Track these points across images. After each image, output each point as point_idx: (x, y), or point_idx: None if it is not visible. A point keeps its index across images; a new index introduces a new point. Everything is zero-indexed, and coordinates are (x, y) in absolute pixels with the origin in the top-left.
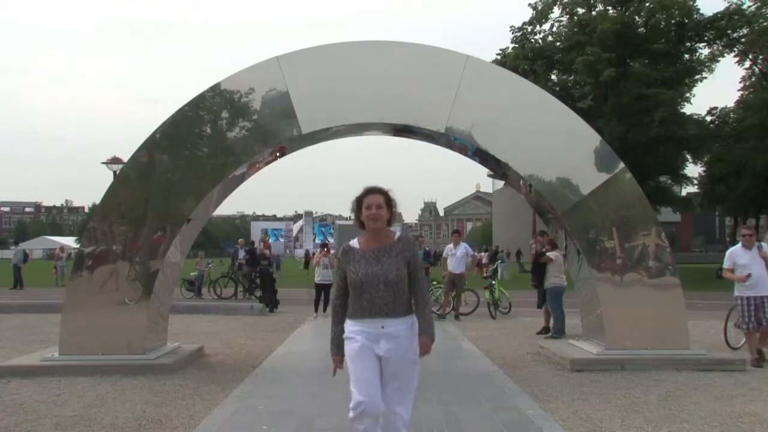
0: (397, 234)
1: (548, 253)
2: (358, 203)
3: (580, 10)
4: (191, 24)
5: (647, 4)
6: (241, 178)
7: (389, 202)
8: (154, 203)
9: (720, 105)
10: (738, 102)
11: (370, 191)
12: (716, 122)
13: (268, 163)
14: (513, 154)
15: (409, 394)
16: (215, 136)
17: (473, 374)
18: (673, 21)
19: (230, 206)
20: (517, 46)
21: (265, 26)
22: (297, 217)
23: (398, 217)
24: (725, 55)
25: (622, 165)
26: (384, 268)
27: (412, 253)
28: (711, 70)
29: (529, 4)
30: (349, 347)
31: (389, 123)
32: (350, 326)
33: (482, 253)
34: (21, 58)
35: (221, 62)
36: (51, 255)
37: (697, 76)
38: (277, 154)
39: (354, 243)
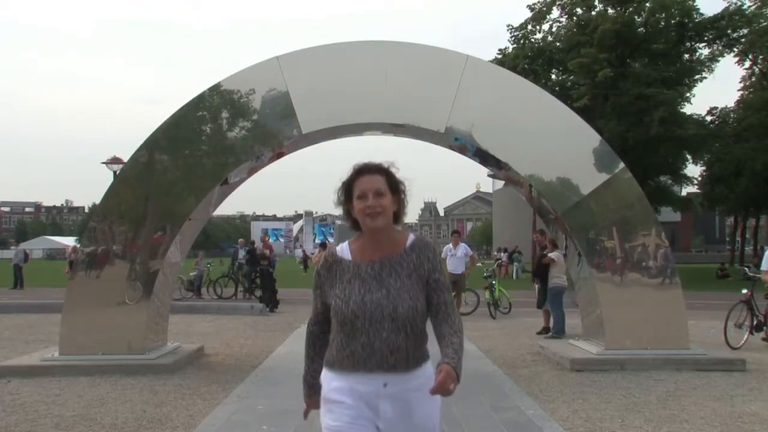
0: (410, 238)
1: (549, 254)
2: (347, 190)
3: (579, 10)
4: (191, 24)
5: (647, 4)
6: (240, 182)
7: (394, 187)
8: (155, 203)
9: (720, 105)
10: (738, 102)
11: (364, 171)
12: (716, 122)
13: (266, 165)
14: (513, 154)
15: None
16: (215, 136)
17: (473, 374)
18: (673, 21)
19: (230, 206)
20: (516, 46)
21: (265, 26)
22: (297, 217)
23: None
24: (725, 55)
25: (622, 165)
26: (391, 294)
27: (432, 266)
28: (711, 70)
29: (528, 6)
30: (331, 418)
31: (389, 123)
32: (332, 381)
33: (502, 254)
34: (21, 58)
35: (221, 62)
36: (52, 255)
37: (697, 76)
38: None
39: (342, 250)
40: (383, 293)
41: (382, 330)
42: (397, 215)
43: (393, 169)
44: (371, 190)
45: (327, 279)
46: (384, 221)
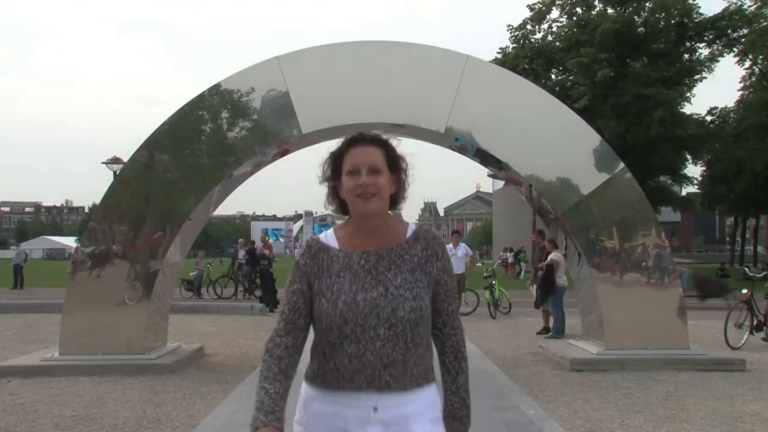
0: (410, 227)
1: (551, 256)
2: (335, 164)
3: (579, 10)
4: (191, 24)
5: (647, 4)
6: (244, 177)
7: (394, 163)
8: (155, 203)
9: (720, 105)
10: (738, 102)
11: (357, 141)
12: (716, 122)
13: (270, 163)
14: (513, 154)
15: None
16: (215, 135)
17: (473, 374)
18: (673, 21)
19: (230, 206)
20: (516, 45)
21: (265, 26)
22: (297, 217)
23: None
24: (725, 55)
25: (622, 165)
26: (390, 292)
27: (442, 265)
28: (711, 70)
29: (528, 6)
30: None
31: (389, 123)
32: (313, 401)
33: (508, 253)
34: (21, 58)
35: (221, 62)
36: (52, 255)
37: (697, 76)
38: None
39: (327, 238)
40: (380, 291)
41: (377, 338)
42: (395, 199)
43: (392, 142)
44: (365, 165)
45: (312, 269)
46: (379, 204)
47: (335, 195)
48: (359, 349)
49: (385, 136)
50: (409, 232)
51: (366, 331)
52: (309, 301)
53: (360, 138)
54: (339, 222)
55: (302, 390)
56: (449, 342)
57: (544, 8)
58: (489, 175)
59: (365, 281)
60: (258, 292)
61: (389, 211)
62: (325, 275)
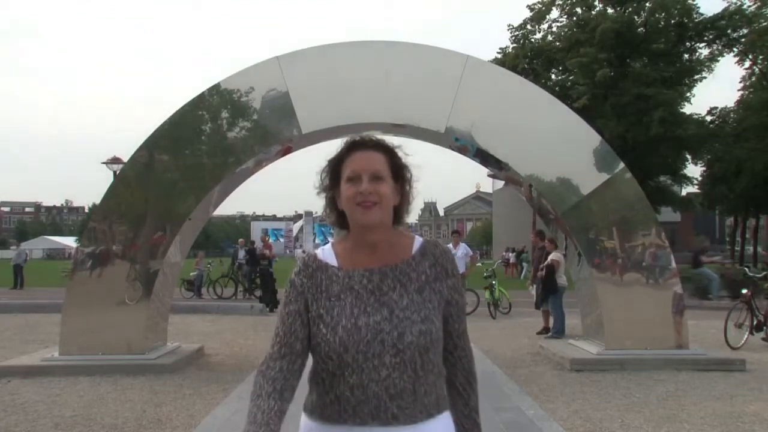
0: (417, 241)
1: (551, 256)
2: (333, 171)
3: (579, 10)
4: (191, 24)
5: (647, 4)
6: (246, 175)
7: (398, 171)
8: (154, 203)
9: (720, 105)
10: (738, 102)
11: (359, 145)
12: (716, 122)
13: (273, 160)
14: (513, 154)
15: None
16: (215, 136)
17: None
18: (673, 21)
19: (230, 206)
20: (516, 45)
21: (265, 26)
22: (297, 217)
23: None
24: (725, 55)
25: (622, 165)
26: (395, 315)
27: (453, 283)
28: (711, 70)
29: (528, 6)
30: None
31: (389, 123)
32: None
33: (509, 253)
34: (21, 58)
35: (221, 62)
36: (52, 255)
37: (697, 76)
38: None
39: (325, 254)
40: (384, 314)
41: (382, 367)
42: (398, 212)
43: (398, 149)
44: (367, 172)
45: (309, 290)
46: (380, 215)
47: (333, 206)
48: (362, 379)
49: (389, 143)
50: (416, 247)
51: (369, 360)
52: (306, 323)
53: (361, 142)
54: (337, 236)
55: (301, 422)
56: (460, 364)
57: (544, 8)
58: (489, 175)
59: (368, 303)
60: (258, 292)
61: (397, 225)
62: (324, 297)
